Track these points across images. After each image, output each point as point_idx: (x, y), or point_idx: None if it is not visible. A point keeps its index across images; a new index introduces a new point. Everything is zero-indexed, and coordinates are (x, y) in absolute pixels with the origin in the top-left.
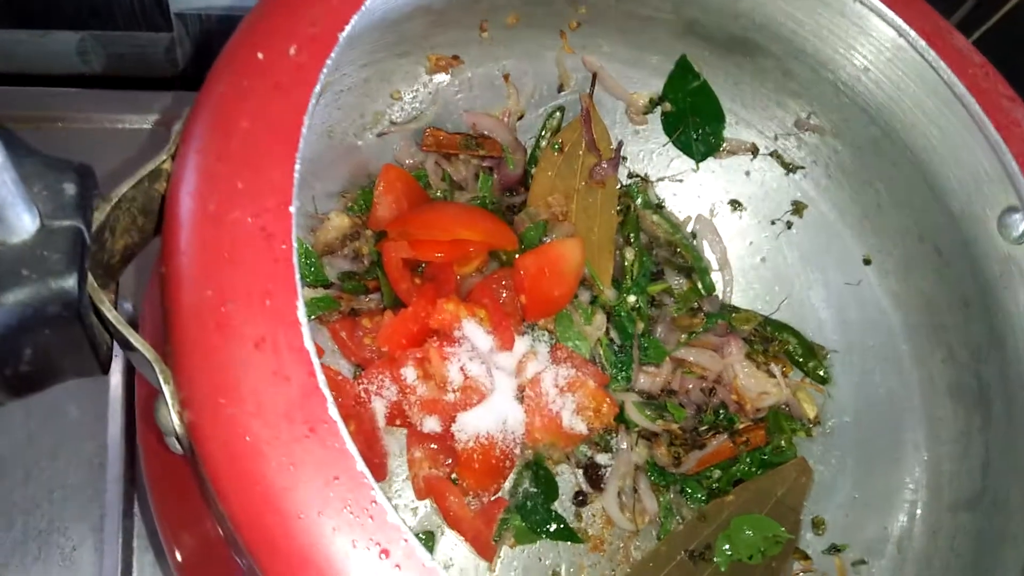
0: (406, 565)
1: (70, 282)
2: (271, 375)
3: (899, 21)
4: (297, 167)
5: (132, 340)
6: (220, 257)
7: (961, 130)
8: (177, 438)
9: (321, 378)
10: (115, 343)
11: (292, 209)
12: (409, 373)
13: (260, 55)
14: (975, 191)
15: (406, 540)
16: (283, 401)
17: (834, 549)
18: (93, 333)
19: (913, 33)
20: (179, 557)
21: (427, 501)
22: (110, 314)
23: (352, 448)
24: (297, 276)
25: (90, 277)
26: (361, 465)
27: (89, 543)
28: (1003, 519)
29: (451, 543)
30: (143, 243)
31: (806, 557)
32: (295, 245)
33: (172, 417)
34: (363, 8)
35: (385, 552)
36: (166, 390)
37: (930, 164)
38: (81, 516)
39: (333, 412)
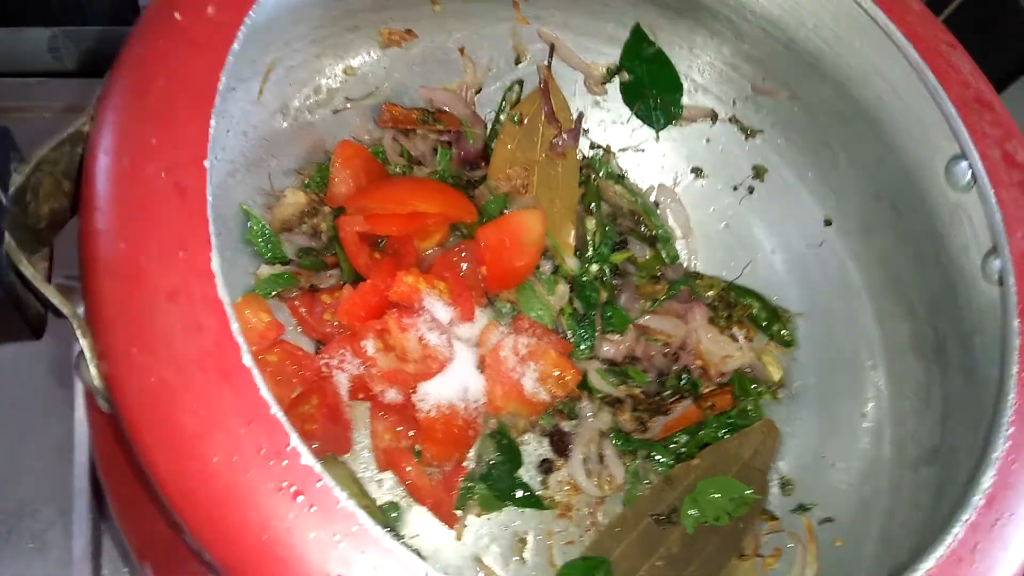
0: (322, 505)
1: None
2: (184, 325)
3: None
4: (212, 123)
5: (50, 296)
6: (134, 211)
7: (905, 80)
8: (99, 394)
9: (235, 327)
10: (47, 309)
11: (207, 164)
12: (369, 345)
13: (178, 15)
14: (923, 142)
15: (320, 481)
16: (196, 350)
17: (802, 508)
18: (15, 293)
19: None
20: (135, 541)
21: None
22: (28, 271)
23: (267, 394)
24: (211, 228)
25: (8, 238)
26: (276, 409)
27: (58, 525)
28: (957, 468)
29: (418, 514)
30: (72, 209)
31: (774, 518)
32: (209, 199)
33: (91, 370)
34: None
35: (300, 492)
36: (84, 344)
37: (880, 118)
38: (50, 498)
39: (247, 360)
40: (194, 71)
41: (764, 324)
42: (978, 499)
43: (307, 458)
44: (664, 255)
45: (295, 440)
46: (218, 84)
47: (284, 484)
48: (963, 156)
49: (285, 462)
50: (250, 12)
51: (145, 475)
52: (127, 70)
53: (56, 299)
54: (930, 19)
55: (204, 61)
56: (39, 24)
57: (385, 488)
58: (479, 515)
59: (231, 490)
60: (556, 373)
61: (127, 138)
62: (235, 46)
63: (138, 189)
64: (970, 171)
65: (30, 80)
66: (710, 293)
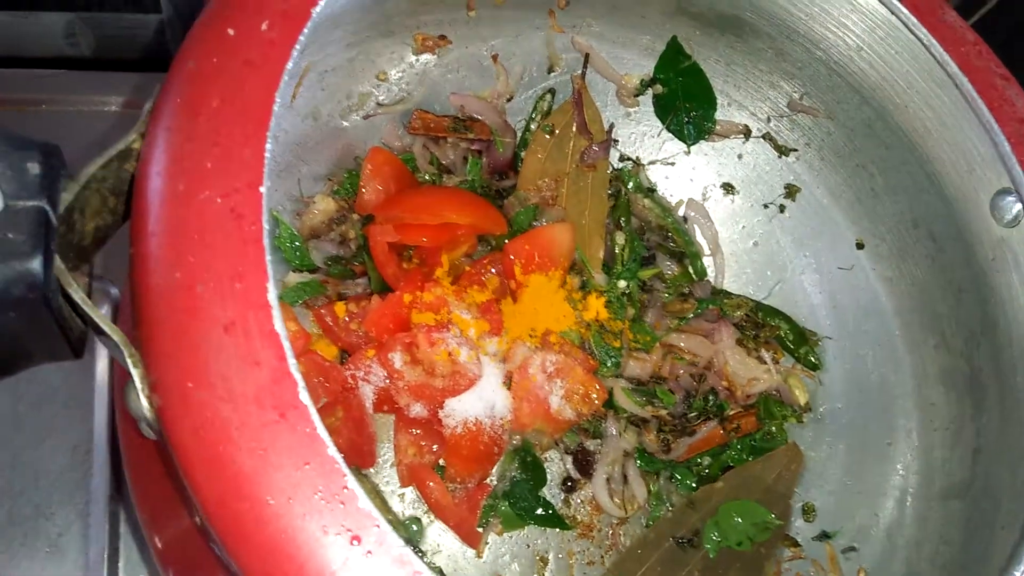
0: (378, 551)
1: (35, 263)
2: (241, 359)
3: None
4: (268, 146)
5: (100, 323)
6: (189, 238)
7: (954, 110)
8: (148, 423)
9: (292, 362)
10: (89, 328)
11: (263, 189)
12: (397, 358)
13: (231, 31)
14: (968, 173)
15: (378, 526)
16: (253, 385)
17: (824, 536)
18: (62, 316)
19: (904, 10)
20: (159, 544)
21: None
22: (77, 296)
23: (324, 433)
24: (268, 258)
25: (57, 259)
26: (333, 450)
27: (75, 529)
28: (992, 507)
29: (439, 530)
30: (116, 225)
31: (796, 544)
32: (266, 226)
33: (141, 401)
34: None
35: (357, 538)
36: (135, 374)
37: (923, 146)
38: (67, 502)
39: (304, 397)
40: (248, 91)
41: (791, 346)
42: None
43: (364, 502)
44: (692, 271)
45: (352, 483)
46: (273, 105)
47: (341, 528)
48: (1010, 191)
49: (342, 505)
50: (304, 29)
51: (192, 504)
52: (180, 88)
53: (107, 327)
54: (985, 51)
55: (259, 81)
56: (56, 9)
57: (407, 502)
58: (500, 533)
59: (286, 534)
60: (582, 391)
61: (181, 161)
62: (289, 64)
63: (194, 215)
64: (1018, 205)
65: (37, 71)
66: (738, 313)
